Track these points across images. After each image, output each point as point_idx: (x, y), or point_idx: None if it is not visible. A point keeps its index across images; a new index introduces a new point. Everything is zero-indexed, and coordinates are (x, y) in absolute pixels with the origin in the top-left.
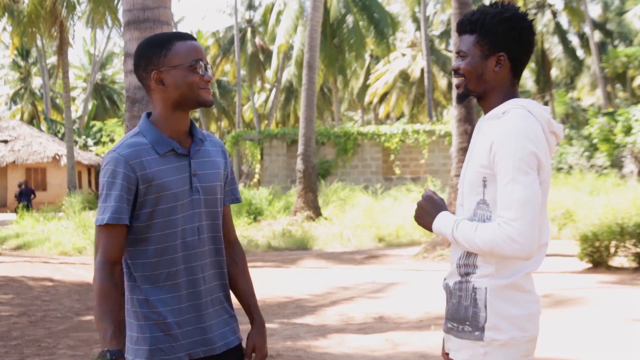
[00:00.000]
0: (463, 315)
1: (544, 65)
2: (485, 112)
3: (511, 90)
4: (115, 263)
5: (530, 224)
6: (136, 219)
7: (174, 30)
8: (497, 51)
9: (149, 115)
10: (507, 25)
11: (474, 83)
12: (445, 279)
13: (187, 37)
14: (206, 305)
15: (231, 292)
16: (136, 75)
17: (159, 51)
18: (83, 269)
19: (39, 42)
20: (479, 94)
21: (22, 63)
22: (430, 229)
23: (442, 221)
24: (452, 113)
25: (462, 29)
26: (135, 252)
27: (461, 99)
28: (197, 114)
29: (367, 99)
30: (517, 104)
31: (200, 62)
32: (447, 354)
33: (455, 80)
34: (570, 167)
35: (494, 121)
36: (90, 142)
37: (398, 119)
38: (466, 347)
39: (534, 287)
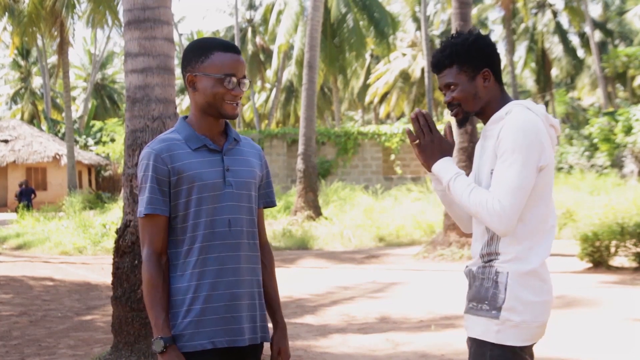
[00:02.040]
0: (483, 295)
1: (545, 64)
2: (486, 121)
3: (504, 97)
4: (161, 253)
5: (515, 208)
6: (175, 209)
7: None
8: (480, 69)
9: (185, 117)
10: (477, 45)
11: (472, 104)
12: (467, 267)
13: (230, 49)
14: (235, 297)
15: None
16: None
17: (198, 56)
18: (83, 269)
19: (39, 42)
20: (478, 111)
21: (22, 63)
22: (429, 168)
23: (443, 166)
24: None
25: (440, 66)
26: (170, 241)
27: (462, 123)
28: None
29: (367, 99)
30: (516, 104)
31: (232, 78)
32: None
33: (451, 112)
34: (571, 166)
35: (499, 123)
36: (90, 141)
37: (398, 118)
38: (481, 324)
39: (550, 277)
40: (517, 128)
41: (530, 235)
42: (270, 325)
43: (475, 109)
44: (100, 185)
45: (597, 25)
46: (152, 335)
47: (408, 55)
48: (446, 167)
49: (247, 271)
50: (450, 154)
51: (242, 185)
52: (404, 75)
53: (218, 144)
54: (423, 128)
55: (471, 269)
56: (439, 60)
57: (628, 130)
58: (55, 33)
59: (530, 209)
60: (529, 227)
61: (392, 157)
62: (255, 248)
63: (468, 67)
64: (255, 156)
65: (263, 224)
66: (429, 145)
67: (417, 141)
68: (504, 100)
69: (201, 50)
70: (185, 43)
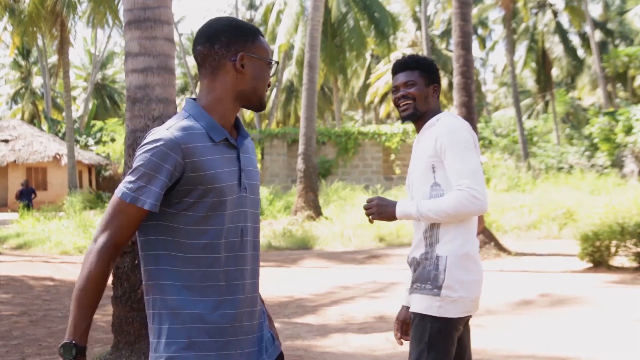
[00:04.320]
0: (426, 277)
1: (545, 64)
2: (419, 129)
3: (439, 109)
4: (120, 249)
5: (483, 186)
6: (172, 206)
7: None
8: (432, 83)
9: (194, 99)
10: (433, 66)
11: (422, 104)
12: (409, 255)
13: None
14: (242, 317)
15: None
16: (198, 49)
17: (247, 36)
18: None
19: (39, 42)
20: (422, 113)
21: (22, 62)
22: (394, 218)
23: (403, 206)
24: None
25: (405, 66)
26: (169, 244)
27: (408, 118)
28: None
29: (367, 99)
30: (446, 114)
31: (276, 65)
32: (401, 324)
33: (402, 105)
34: (571, 166)
35: (431, 128)
36: (91, 141)
37: (398, 118)
38: (425, 300)
39: (479, 258)
40: (452, 129)
41: (463, 223)
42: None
43: (422, 110)
44: (101, 185)
45: (598, 25)
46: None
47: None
48: (405, 204)
49: (253, 287)
50: (396, 201)
51: (253, 189)
52: None
53: (233, 138)
54: (370, 206)
55: (414, 257)
56: (406, 61)
57: (628, 130)
58: (56, 33)
59: None
60: None
61: (392, 157)
62: (258, 260)
63: (426, 76)
64: (254, 154)
65: None
66: (379, 207)
67: (371, 215)
68: (438, 111)
69: (247, 30)
70: (186, 43)
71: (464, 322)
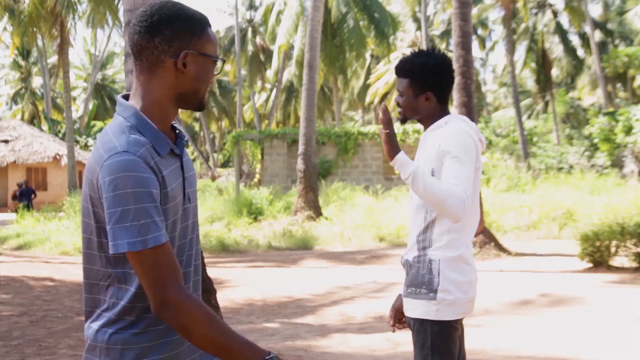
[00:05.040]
0: (420, 281)
1: (545, 64)
2: (426, 128)
3: (443, 111)
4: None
5: (470, 196)
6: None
7: None
8: (425, 91)
9: (125, 97)
10: (430, 72)
11: (410, 114)
12: (403, 257)
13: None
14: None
15: None
16: (135, 38)
17: (194, 30)
18: None
19: (39, 42)
20: (417, 119)
21: (22, 63)
22: (394, 156)
23: (405, 158)
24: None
25: (399, 73)
26: (129, 277)
27: (403, 122)
28: (197, 114)
29: (367, 99)
30: (454, 117)
31: (221, 62)
32: (395, 312)
33: (399, 110)
34: (571, 166)
35: (438, 130)
36: (91, 142)
37: (399, 119)
38: (421, 306)
39: (473, 260)
40: (457, 134)
41: (459, 226)
42: None
43: (413, 118)
44: None
45: (598, 25)
46: None
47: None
48: (408, 159)
49: None
50: (398, 147)
51: (194, 196)
52: None
53: (172, 141)
54: (389, 121)
55: (407, 259)
56: (398, 70)
57: (628, 130)
58: (56, 33)
59: None
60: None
61: None
62: (199, 271)
63: (416, 84)
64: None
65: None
66: (394, 136)
67: (388, 131)
68: (443, 114)
69: (195, 22)
70: None
71: (460, 322)
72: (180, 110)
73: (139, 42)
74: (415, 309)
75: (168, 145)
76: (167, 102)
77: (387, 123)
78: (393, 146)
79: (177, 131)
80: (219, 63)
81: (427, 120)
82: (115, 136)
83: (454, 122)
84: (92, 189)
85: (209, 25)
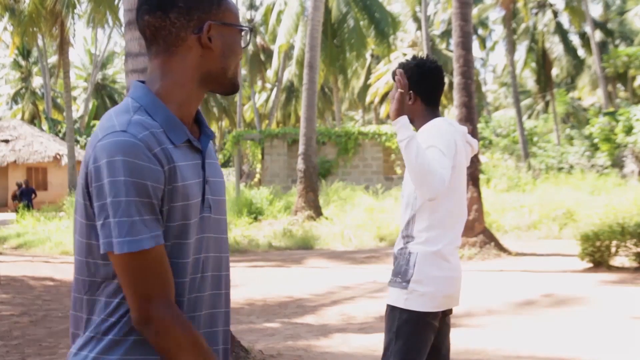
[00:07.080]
0: (398, 271)
1: (545, 64)
2: (417, 130)
3: (431, 114)
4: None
5: (447, 179)
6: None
7: None
8: (409, 91)
9: (142, 82)
10: (410, 72)
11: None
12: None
13: None
14: None
15: None
16: (146, 19)
17: None
18: None
19: (39, 42)
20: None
21: (23, 63)
22: (398, 115)
23: (404, 122)
24: (452, 113)
25: (393, 77)
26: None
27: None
28: None
29: (368, 99)
30: (442, 119)
31: (249, 32)
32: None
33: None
34: (571, 166)
35: (425, 132)
36: None
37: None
38: (395, 293)
39: (457, 260)
40: (440, 132)
41: (439, 224)
42: None
43: (399, 115)
44: None
45: (598, 25)
46: None
47: (409, 55)
48: (409, 123)
49: (224, 342)
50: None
51: (219, 208)
52: None
53: (195, 136)
54: (406, 84)
55: (394, 251)
56: (393, 73)
57: (628, 130)
58: (56, 33)
59: (442, 202)
60: (439, 217)
61: (393, 157)
62: (221, 301)
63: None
64: (217, 158)
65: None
66: (405, 98)
67: (403, 91)
68: (433, 116)
69: None
70: None
71: (437, 317)
72: None
73: (152, 22)
74: (390, 295)
75: (185, 134)
76: (191, 86)
77: (405, 85)
78: (400, 107)
79: (203, 127)
80: (247, 34)
81: (416, 122)
82: (117, 115)
83: (439, 123)
84: (83, 177)
85: None
